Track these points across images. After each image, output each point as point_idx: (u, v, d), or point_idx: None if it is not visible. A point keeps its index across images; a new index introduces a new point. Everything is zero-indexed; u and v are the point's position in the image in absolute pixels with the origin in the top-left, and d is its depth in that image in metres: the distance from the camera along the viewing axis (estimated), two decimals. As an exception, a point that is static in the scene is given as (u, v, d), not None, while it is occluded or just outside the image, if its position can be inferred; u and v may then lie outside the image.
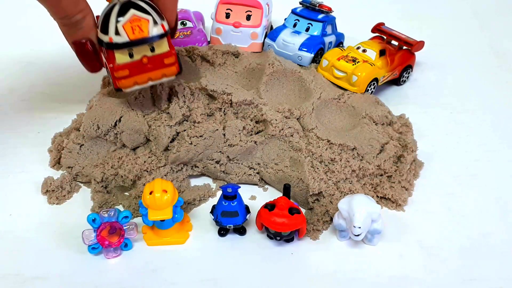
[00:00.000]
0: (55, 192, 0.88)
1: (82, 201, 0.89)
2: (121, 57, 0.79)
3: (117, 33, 0.75)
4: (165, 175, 0.89)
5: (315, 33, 1.15)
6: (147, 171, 0.89)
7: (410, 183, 0.91)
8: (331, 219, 0.84)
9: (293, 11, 1.19)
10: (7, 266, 0.77)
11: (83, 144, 0.92)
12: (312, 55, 1.11)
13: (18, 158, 0.97)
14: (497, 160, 0.99)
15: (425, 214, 0.87)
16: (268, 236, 0.82)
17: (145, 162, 0.90)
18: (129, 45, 0.77)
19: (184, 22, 1.19)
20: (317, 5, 1.17)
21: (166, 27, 0.79)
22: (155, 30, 0.77)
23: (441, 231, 0.84)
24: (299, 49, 1.11)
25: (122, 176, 0.89)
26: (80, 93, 1.06)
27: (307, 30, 1.15)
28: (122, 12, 0.75)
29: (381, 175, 0.91)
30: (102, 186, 0.89)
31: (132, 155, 0.91)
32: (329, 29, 1.18)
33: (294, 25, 1.17)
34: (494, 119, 1.10)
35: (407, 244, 0.81)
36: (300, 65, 1.10)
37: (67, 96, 1.14)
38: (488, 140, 1.04)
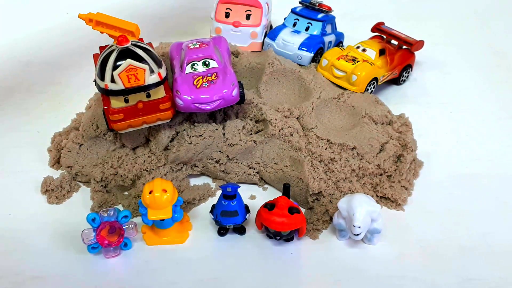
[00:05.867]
0: (55, 192, 0.88)
1: (82, 200, 0.89)
2: (116, 103, 0.80)
3: (112, 80, 0.76)
4: (164, 175, 0.89)
5: (315, 33, 1.14)
6: (147, 171, 0.89)
7: (410, 182, 0.91)
8: (331, 219, 0.84)
9: (293, 11, 1.19)
10: (7, 266, 0.77)
11: (82, 144, 0.92)
12: (312, 54, 1.10)
13: (17, 158, 0.97)
14: (497, 160, 0.99)
15: (425, 213, 0.87)
16: (267, 235, 0.82)
17: (144, 161, 0.90)
18: (124, 93, 0.78)
19: (207, 62, 0.88)
20: (317, 4, 1.17)
21: (163, 74, 0.79)
22: (152, 79, 0.77)
23: (441, 231, 0.84)
24: (299, 49, 1.11)
25: (121, 176, 0.89)
26: (80, 92, 1.06)
27: (306, 29, 1.15)
28: (118, 61, 0.75)
29: (381, 174, 0.91)
30: (102, 185, 0.89)
31: (132, 155, 0.91)
32: (328, 29, 1.18)
33: (294, 25, 1.17)
34: (494, 118, 1.10)
35: (407, 244, 0.81)
36: (299, 65, 1.10)
37: (67, 96, 1.14)
38: (488, 140, 1.04)
